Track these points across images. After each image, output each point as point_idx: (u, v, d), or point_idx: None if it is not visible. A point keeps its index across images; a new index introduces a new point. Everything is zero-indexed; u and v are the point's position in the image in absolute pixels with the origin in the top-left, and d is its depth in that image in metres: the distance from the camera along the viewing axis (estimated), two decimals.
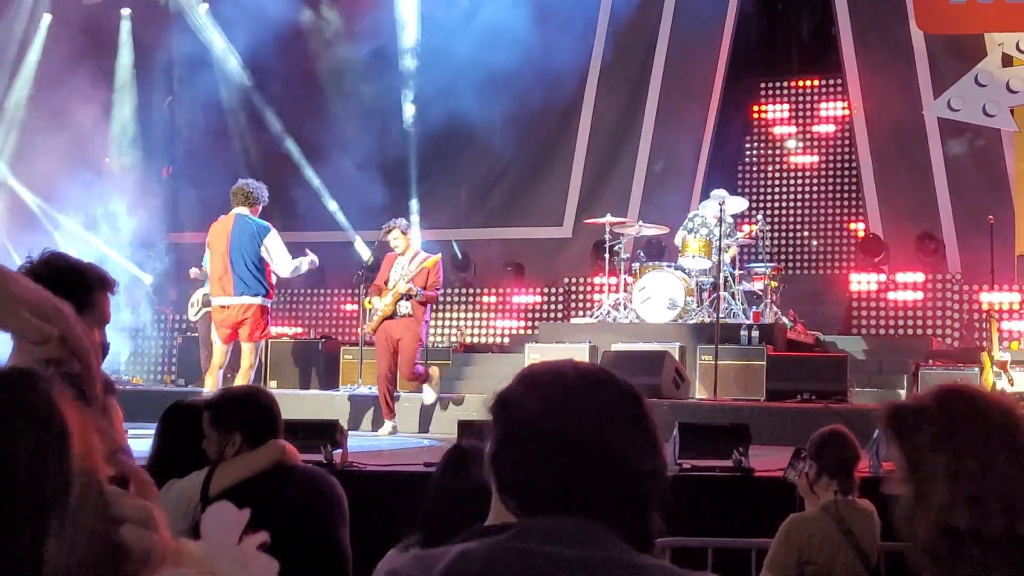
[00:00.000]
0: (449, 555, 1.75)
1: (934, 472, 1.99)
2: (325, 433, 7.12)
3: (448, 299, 16.38)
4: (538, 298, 16.12)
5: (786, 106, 17.42)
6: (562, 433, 1.76)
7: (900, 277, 14.91)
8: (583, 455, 1.74)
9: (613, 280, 13.56)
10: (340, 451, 7.10)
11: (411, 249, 10.82)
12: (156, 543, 1.37)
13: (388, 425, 10.69)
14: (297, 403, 10.35)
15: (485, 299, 16.35)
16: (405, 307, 10.64)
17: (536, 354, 12.35)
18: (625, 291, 13.20)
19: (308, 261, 9.89)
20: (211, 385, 9.64)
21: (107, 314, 3.23)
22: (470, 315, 16.36)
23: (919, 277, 14.79)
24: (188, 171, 15.56)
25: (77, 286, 3.19)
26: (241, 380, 9.50)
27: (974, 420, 2.02)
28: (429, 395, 11.03)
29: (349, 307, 16.60)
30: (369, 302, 11.03)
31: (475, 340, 15.89)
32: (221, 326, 9.65)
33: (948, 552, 1.96)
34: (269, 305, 9.71)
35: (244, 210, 9.63)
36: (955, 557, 1.96)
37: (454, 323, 16.33)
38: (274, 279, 9.74)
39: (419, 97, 16.37)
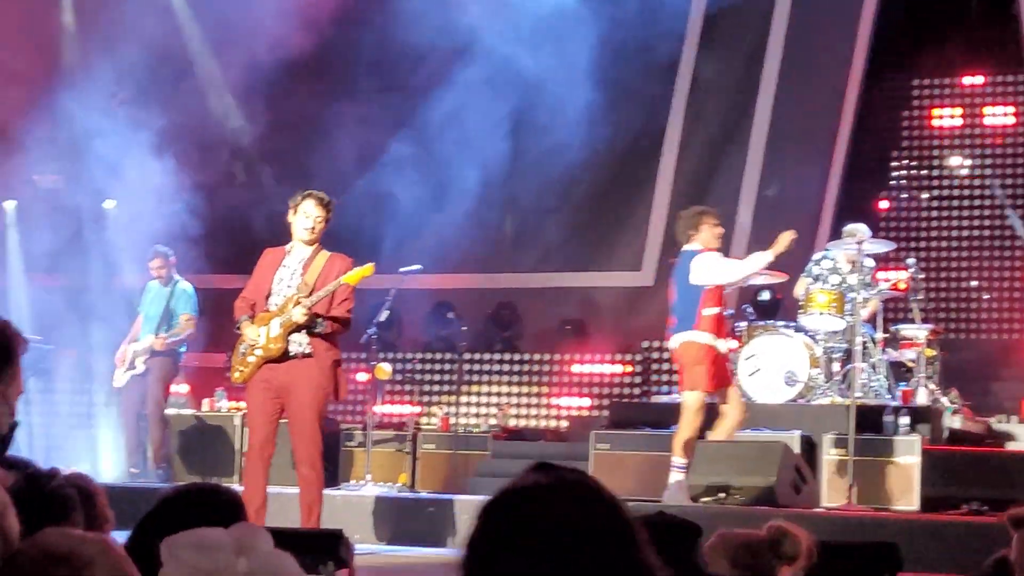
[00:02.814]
0: None
1: None
2: (325, 547, 7.13)
3: (485, 367, 16.46)
4: (607, 368, 16.14)
5: (948, 113, 17.42)
6: None
7: None
8: None
9: None
10: (346, 571, 7.12)
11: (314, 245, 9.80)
12: None
13: None
14: (284, 506, 10.38)
15: (535, 368, 16.37)
16: (301, 343, 9.48)
17: (605, 444, 12.39)
18: (727, 360, 13.19)
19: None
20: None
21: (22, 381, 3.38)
22: (515, 389, 16.39)
23: None
24: None
25: (8, 348, 3.28)
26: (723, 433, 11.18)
27: None
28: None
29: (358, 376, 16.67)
30: (239, 331, 9.69)
31: (522, 424, 15.92)
32: None
33: None
34: (704, 341, 10.89)
35: (690, 245, 11.19)
36: None
37: (493, 399, 16.37)
38: (708, 310, 10.94)
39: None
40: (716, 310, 10.99)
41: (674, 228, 11.36)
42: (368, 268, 9.54)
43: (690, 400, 11.01)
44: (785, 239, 11.06)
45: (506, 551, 2.05)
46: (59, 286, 16.32)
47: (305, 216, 9.57)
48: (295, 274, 9.58)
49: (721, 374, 11.08)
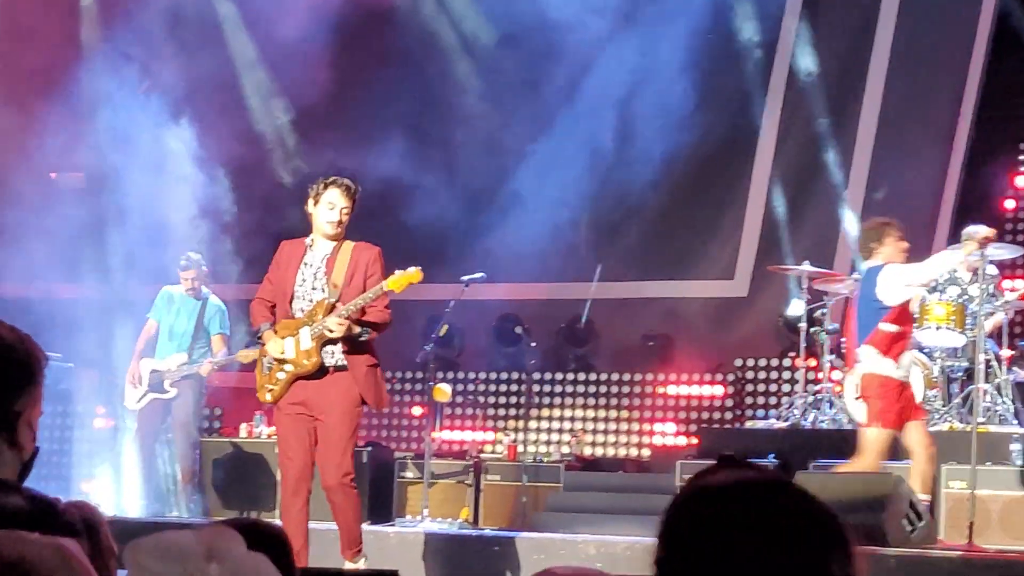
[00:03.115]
0: None
1: None
2: None
3: (557, 389, 16.47)
4: (696, 389, 16.13)
5: None
6: None
7: None
8: None
9: (812, 363, 13.60)
10: None
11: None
12: None
13: None
14: (333, 543, 10.39)
15: (614, 390, 16.37)
16: (334, 353, 9.41)
17: (692, 474, 12.31)
18: (831, 380, 13.23)
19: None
20: None
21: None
22: (591, 414, 16.41)
23: None
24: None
25: (33, 365, 3.31)
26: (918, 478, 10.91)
27: None
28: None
29: (414, 411, 16.67)
30: (259, 342, 9.67)
31: (598, 452, 15.95)
32: None
33: None
34: (886, 373, 10.88)
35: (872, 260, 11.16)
36: None
37: (566, 425, 16.37)
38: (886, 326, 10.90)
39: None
40: (894, 328, 10.94)
41: (857, 241, 11.49)
42: (415, 274, 9.39)
43: (868, 436, 11.02)
44: (979, 236, 11.03)
45: (710, 553, 2.09)
46: (79, 296, 16.42)
47: (329, 207, 9.40)
48: (318, 273, 9.46)
49: (905, 410, 11.01)
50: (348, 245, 9.50)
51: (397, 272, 9.35)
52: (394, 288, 9.32)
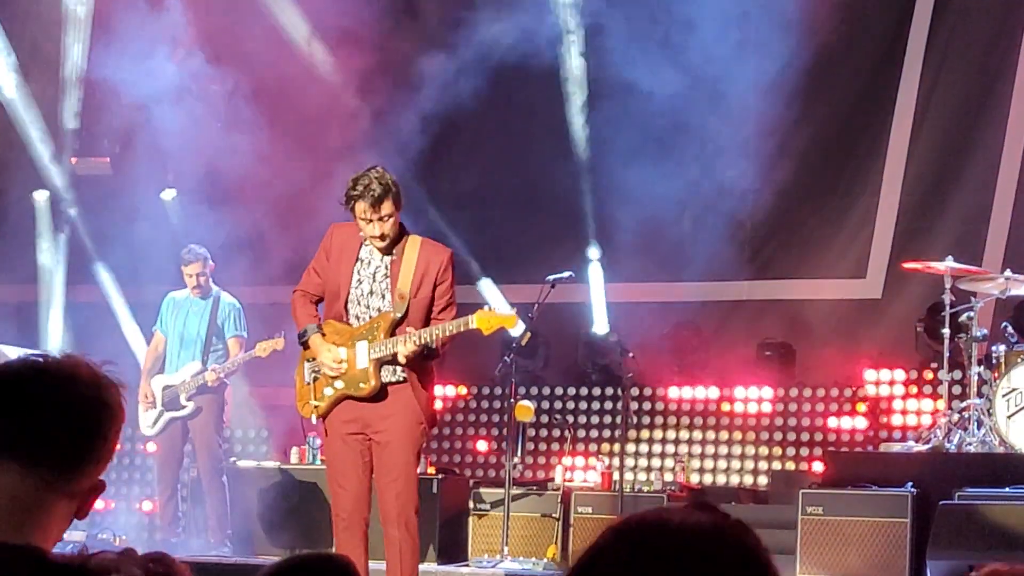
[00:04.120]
0: None
1: None
2: None
3: (658, 406, 16.40)
4: (820, 406, 16.01)
5: None
6: None
7: None
8: None
9: (957, 376, 13.58)
10: None
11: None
12: None
13: None
14: None
15: (725, 408, 16.26)
16: (396, 372, 9.23)
17: (817, 507, 12.37)
18: (980, 396, 13.04)
19: None
20: None
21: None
22: (698, 435, 16.33)
23: None
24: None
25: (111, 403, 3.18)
26: None
27: None
28: None
29: (487, 420, 16.62)
30: (304, 343, 9.51)
31: (707, 481, 15.89)
32: None
33: None
34: None
35: None
36: None
37: (669, 448, 16.30)
38: None
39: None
40: None
41: None
42: (510, 319, 9.38)
43: None
44: None
45: None
46: (105, 300, 16.51)
47: (365, 221, 9.10)
48: (377, 274, 9.26)
49: None
50: (414, 243, 9.28)
51: (488, 308, 9.27)
52: (481, 328, 9.14)
